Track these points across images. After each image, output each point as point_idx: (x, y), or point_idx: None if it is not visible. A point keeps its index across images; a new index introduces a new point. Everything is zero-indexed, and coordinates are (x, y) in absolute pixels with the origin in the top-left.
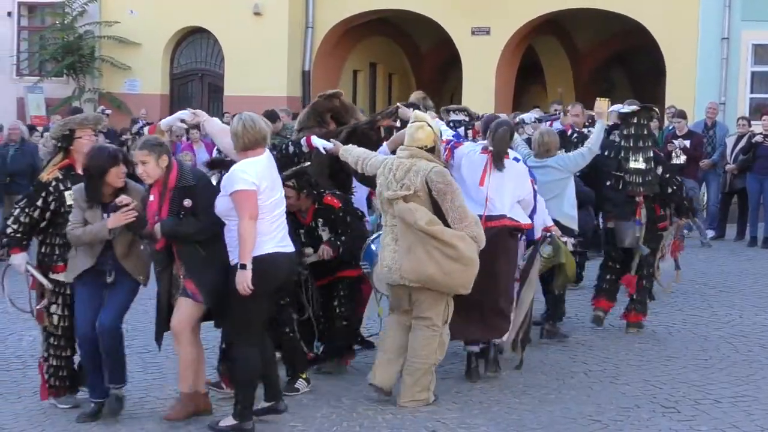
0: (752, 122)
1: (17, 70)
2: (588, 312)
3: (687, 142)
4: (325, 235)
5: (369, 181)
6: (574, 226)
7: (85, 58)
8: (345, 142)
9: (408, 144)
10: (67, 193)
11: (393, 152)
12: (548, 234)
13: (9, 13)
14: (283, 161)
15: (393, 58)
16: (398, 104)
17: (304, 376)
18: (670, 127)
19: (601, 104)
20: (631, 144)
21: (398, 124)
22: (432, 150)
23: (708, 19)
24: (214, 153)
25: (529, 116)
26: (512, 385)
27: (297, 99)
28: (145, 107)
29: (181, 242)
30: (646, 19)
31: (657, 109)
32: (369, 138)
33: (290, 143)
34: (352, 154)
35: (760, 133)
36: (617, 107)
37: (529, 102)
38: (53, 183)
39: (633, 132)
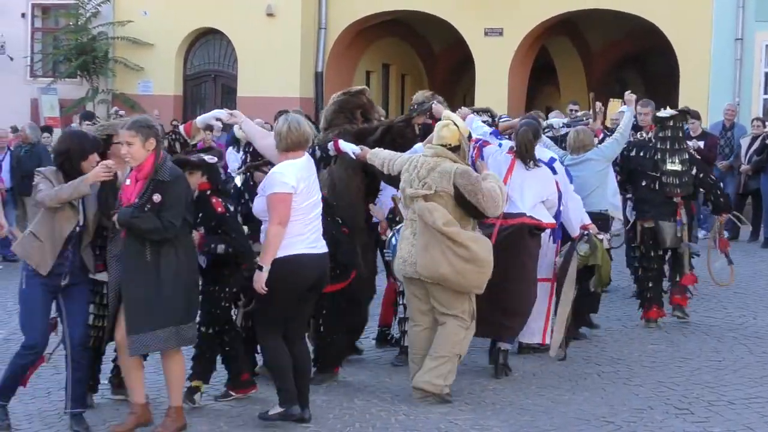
0: (767, 123)
1: (31, 72)
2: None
3: (701, 143)
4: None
5: (396, 181)
6: (619, 215)
7: (99, 59)
8: (380, 140)
9: (437, 141)
10: None
11: None
12: (586, 232)
13: (23, 15)
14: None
15: (406, 59)
16: (433, 102)
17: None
18: (685, 128)
19: (616, 104)
20: (668, 146)
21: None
22: (457, 149)
23: (721, 20)
24: (227, 155)
25: (558, 121)
26: (525, 387)
27: (310, 100)
28: (158, 108)
29: (133, 237)
30: (659, 20)
31: (692, 112)
32: (404, 135)
33: (317, 147)
34: (379, 156)
35: None
36: (661, 113)
37: (541, 103)
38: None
39: (669, 134)
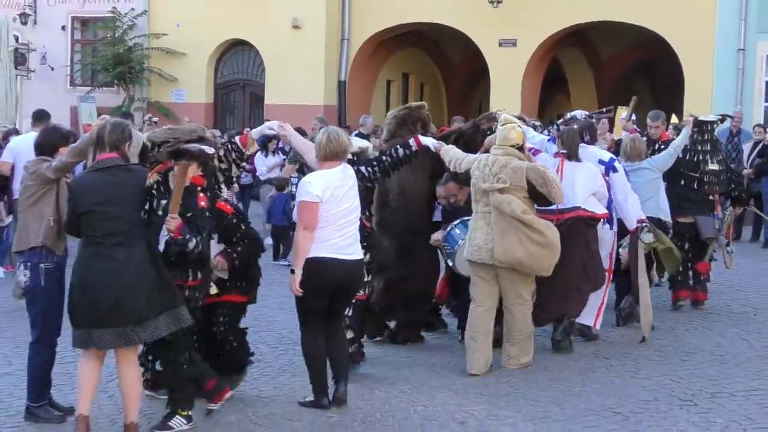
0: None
1: (71, 81)
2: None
3: None
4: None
5: (463, 179)
6: (669, 219)
7: (135, 69)
8: (454, 144)
9: (501, 143)
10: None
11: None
12: (644, 224)
13: (63, 27)
14: (394, 163)
15: (424, 69)
16: (499, 109)
17: (185, 413)
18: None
19: (621, 112)
20: (709, 148)
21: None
22: (521, 148)
23: (724, 32)
24: (255, 160)
25: (581, 113)
26: (538, 379)
27: (333, 107)
28: (191, 115)
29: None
30: (665, 32)
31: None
32: (475, 140)
33: (399, 146)
34: (449, 153)
35: None
36: (703, 117)
37: (553, 111)
38: (154, 186)
39: (708, 138)
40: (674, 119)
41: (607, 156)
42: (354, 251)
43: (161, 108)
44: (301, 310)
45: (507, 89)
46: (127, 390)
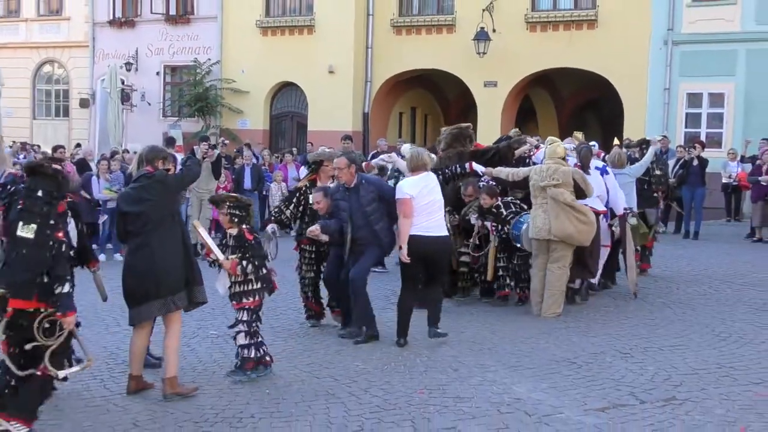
0: (687, 149)
1: (163, 113)
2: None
3: None
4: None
5: (518, 185)
6: (636, 209)
7: (210, 104)
8: (490, 159)
9: (551, 156)
10: (310, 196)
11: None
12: (629, 211)
13: (157, 73)
14: (453, 176)
15: (427, 104)
16: (524, 136)
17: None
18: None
19: (577, 135)
20: (654, 160)
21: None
22: (564, 159)
23: (654, 75)
24: (300, 172)
25: (570, 146)
26: (513, 337)
27: (359, 133)
28: (252, 139)
29: None
30: (610, 76)
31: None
32: (507, 157)
33: (456, 166)
34: (503, 172)
35: (691, 157)
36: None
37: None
38: (303, 189)
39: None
40: (616, 141)
41: (600, 164)
42: (438, 231)
43: (230, 133)
44: (403, 274)
45: (490, 119)
46: (170, 347)
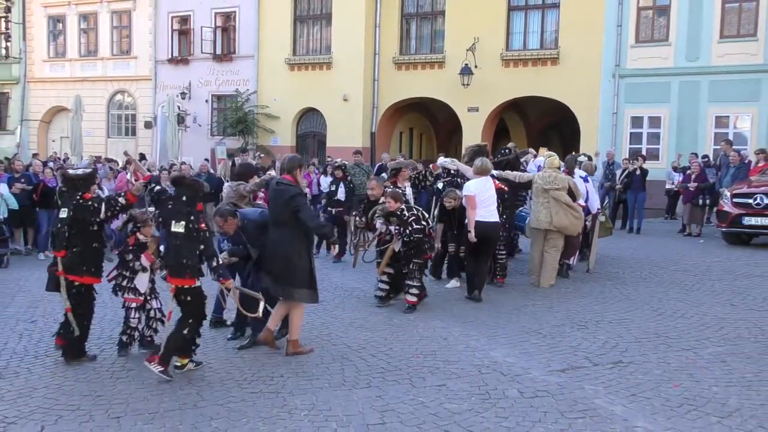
0: (631, 161)
1: (210, 133)
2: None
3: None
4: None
5: (523, 186)
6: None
7: (248, 126)
8: (498, 164)
9: (549, 166)
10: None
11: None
12: (600, 210)
13: (206, 100)
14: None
15: (422, 125)
16: (528, 150)
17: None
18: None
19: (543, 151)
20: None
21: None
22: (559, 168)
23: (605, 102)
24: (322, 180)
25: (540, 160)
26: (490, 312)
27: (367, 149)
28: (281, 153)
29: None
30: (570, 102)
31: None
32: (514, 164)
33: (424, 170)
34: (510, 175)
35: (635, 168)
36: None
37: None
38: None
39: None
40: (573, 154)
41: (583, 173)
42: (492, 218)
43: (264, 149)
44: (468, 249)
45: (473, 138)
46: (293, 314)
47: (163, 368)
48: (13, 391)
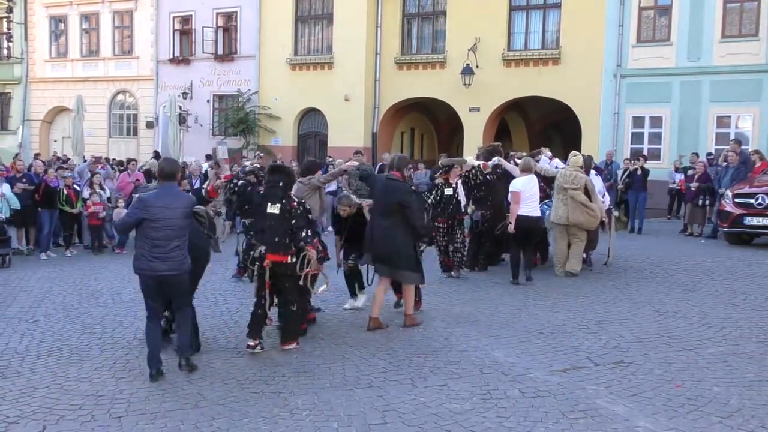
0: (632, 161)
1: (212, 132)
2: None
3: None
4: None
5: (546, 180)
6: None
7: (250, 125)
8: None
9: (573, 165)
10: (444, 189)
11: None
12: (613, 207)
13: (208, 100)
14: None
15: (423, 125)
16: (540, 150)
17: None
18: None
19: (545, 150)
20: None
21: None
22: (581, 168)
23: (606, 102)
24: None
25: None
26: (493, 313)
27: (369, 149)
28: (282, 153)
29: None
30: (571, 102)
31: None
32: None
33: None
34: (538, 168)
35: (635, 168)
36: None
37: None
38: (439, 185)
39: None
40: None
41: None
42: (534, 213)
43: (265, 149)
44: (512, 239)
45: (474, 138)
46: (405, 294)
47: (296, 345)
48: (15, 390)
